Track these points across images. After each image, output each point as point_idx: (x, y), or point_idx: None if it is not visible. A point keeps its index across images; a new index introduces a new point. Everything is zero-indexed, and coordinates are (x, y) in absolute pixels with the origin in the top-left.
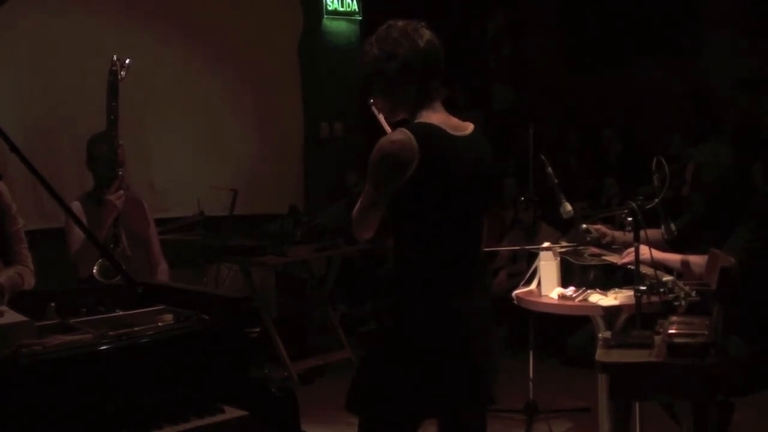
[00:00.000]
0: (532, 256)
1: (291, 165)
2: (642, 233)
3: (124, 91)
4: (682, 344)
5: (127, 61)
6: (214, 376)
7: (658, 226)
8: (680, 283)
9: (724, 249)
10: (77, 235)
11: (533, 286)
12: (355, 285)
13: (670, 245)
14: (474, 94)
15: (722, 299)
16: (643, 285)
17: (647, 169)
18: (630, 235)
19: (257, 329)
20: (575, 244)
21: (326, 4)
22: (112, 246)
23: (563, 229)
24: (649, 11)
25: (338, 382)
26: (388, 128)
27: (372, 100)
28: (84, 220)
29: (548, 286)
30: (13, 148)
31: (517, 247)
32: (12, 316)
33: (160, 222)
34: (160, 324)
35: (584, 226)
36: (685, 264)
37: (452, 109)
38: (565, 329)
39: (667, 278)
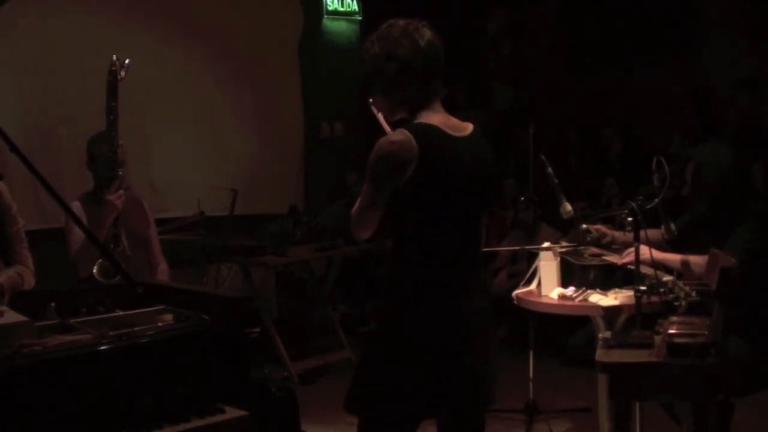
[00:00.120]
0: (532, 256)
1: (291, 165)
2: (642, 233)
3: (124, 91)
4: (682, 344)
5: (127, 61)
6: (214, 376)
7: (658, 226)
8: (680, 283)
9: (724, 249)
10: (77, 235)
11: (533, 286)
12: (355, 285)
13: (670, 245)
14: (474, 94)
15: (722, 299)
16: (643, 285)
17: (647, 169)
18: (630, 235)
19: (257, 329)
20: (575, 244)
21: (326, 4)
22: (112, 246)
23: (563, 229)
24: (649, 11)
25: (338, 382)
26: (387, 128)
27: (371, 100)
28: (84, 220)
29: (548, 286)
30: (13, 148)
31: (517, 247)
32: (12, 316)
33: (160, 222)
34: (160, 324)
35: (584, 226)
36: (685, 264)
37: (452, 109)
38: (565, 329)
39: (667, 278)
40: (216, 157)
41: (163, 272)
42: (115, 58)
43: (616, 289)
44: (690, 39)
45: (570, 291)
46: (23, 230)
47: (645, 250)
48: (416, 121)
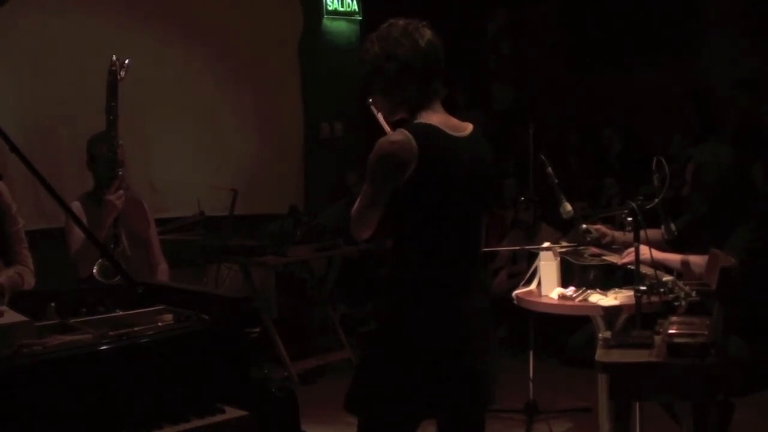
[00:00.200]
0: (533, 256)
1: (291, 165)
2: (642, 233)
3: (124, 91)
4: (682, 344)
5: (127, 61)
6: (214, 376)
7: (658, 226)
8: (680, 283)
9: (724, 249)
10: (77, 235)
11: (533, 286)
12: (355, 285)
13: (670, 245)
14: (474, 94)
15: (722, 299)
16: (643, 285)
17: (647, 169)
18: (630, 235)
19: (257, 329)
20: (575, 244)
21: (326, 4)
22: (112, 246)
23: (563, 229)
24: (649, 11)
25: (338, 382)
26: (387, 128)
27: (371, 100)
28: (84, 220)
29: (548, 286)
30: (13, 148)
31: (517, 247)
32: (12, 316)
33: (160, 222)
34: (160, 324)
35: (584, 226)
36: (685, 264)
37: (452, 109)
38: (565, 329)
39: (667, 278)
40: (216, 157)
41: (163, 272)
42: (115, 58)
43: (616, 289)
44: (690, 39)
45: (570, 291)
46: (23, 230)
47: (645, 250)
48: (416, 121)
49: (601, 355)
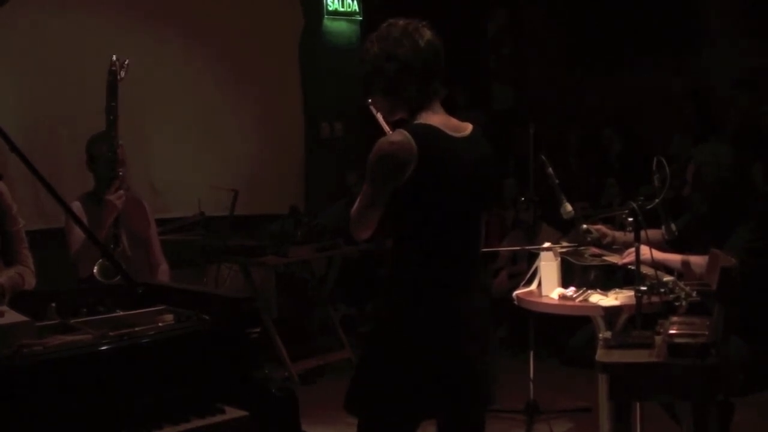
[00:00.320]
0: (533, 257)
1: (291, 165)
2: (642, 233)
3: (124, 91)
4: (682, 344)
5: (127, 61)
6: (215, 377)
7: (658, 227)
8: (681, 284)
9: (724, 249)
10: (77, 235)
11: (534, 286)
12: (355, 285)
13: (670, 245)
14: (474, 94)
15: (723, 299)
16: (643, 285)
17: (647, 169)
18: (630, 236)
19: (258, 329)
20: (576, 244)
21: (326, 4)
22: (112, 246)
23: (564, 229)
24: (649, 11)
25: (338, 382)
26: (387, 128)
27: (371, 100)
28: (84, 220)
29: (549, 286)
30: (13, 148)
31: (518, 248)
32: (12, 316)
33: (160, 222)
34: (160, 324)
35: (585, 226)
36: (686, 264)
37: (452, 109)
38: (566, 329)
39: (667, 278)
40: (216, 157)
41: (163, 272)
42: (115, 58)
43: (617, 290)
44: (690, 39)
45: (570, 291)
46: (24, 230)
47: (645, 251)
48: (416, 122)
49: (601, 355)
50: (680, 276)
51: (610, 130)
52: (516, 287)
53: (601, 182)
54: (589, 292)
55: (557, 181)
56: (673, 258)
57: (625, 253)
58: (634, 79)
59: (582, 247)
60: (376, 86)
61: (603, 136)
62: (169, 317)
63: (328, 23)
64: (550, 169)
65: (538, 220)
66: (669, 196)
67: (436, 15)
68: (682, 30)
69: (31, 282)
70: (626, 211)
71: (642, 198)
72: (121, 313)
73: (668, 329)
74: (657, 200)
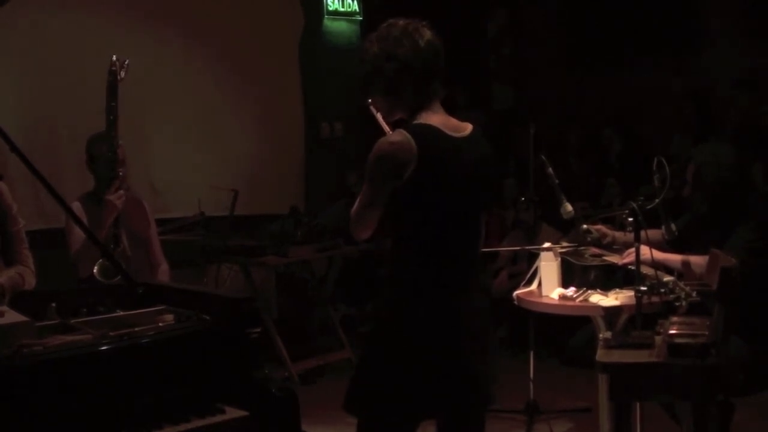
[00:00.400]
0: (533, 257)
1: (291, 165)
2: (642, 233)
3: (124, 91)
4: (682, 344)
5: (127, 61)
6: (215, 377)
7: (658, 227)
8: (681, 284)
9: (724, 249)
10: (77, 235)
11: (534, 286)
12: (355, 285)
13: (670, 245)
14: (474, 94)
15: (723, 299)
16: (643, 285)
17: (647, 169)
18: (630, 236)
19: (258, 329)
20: (576, 244)
21: (326, 4)
22: (112, 246)
23: (564, 229)
24: (649, 11)
25: (338, 382)
26: (386, 128)
27: (370, 100)
28: (84, 220)
29: (549, 286)
30: (13, 148)
31: (518, 248)
32: (12, 316)
33: (160, 222)
34: (160, 324)
35: (585, 226)
36: (686, 264)
37: (452, 109)
38: (566, 329)
39: (667, 278)
40: (216, 157)
41: (163, 272)
42: (115, 58)
43: (617, 290)
44: (690, 39)
45: (570, 291)
46: (24, 230)
47: (645, 251)
48: (415, 122)
49: (601, 355)
50: (680, 276)
51: (610, 130)
52: (516, 287)
53: (601, 182)
54: (589, 292)
55: (557, 181)
56: (673, 258)
57: (625, 253)
58: (634, 79)
59: (582, 247)
60: (375, 86)
61: (603, 136)
62: (169, 317)
63: (328, 23)
64: (550, 169)
65: (538, 220)
66: (669, 196)
67: (436, 15)
68: (682, 30)
69: (31, 282)
70: (626, 211)
71: (642, 198)
72: (121, 313)
73: (668, 329)
74: (657, 200)
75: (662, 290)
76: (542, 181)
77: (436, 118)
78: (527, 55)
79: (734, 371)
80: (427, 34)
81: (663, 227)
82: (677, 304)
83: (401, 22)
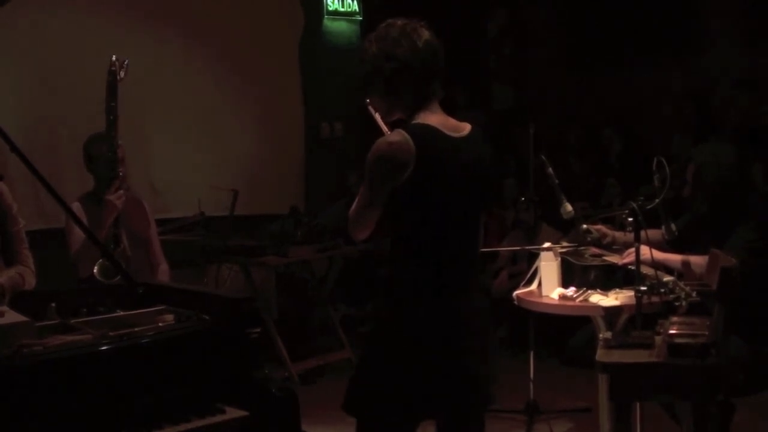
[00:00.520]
0: (533, 257)
1: (291, 165)
2: (642, 233)
3: (124, 91)
4: (682, 344)
5: (127, 62)
6: (215, 377)
7: (658, 227)
8: (681, 284)
9: (724, 249)
10: (77, 235)
11: (534, 286)
12: (355, 285)
13: (670, 245)
14: (474, 94)
15: (723, 299)
16: (643, 285)
17: (647, 169)
18: (630, 236)
19: (258, 329)
20: (576, 244)
21: (326, 4)
22: (112, 246)
23: (564, 229)
24: (649, 11)
25: (338, 382)
26: (385, 128)
27: (368, 100)
28: (84, 220)
29: (549, 286)
30: (13, 148)
31: (518, 248)
32: (12, 316)
33: (160, 222)
34: (160, 324)
35: (585, 226)
36: (686, 264)
37: (452, 109)
38: (566, 329)
39: (667, 278)
40: (216, 157)
41: (163, 272)
42: (114, 58)
43: (617, 290)
44: (690, 39)
45: (570, 291)
46: (24, 230)
47: (645, 251)
48: (414, 122)
49: (601, 355)
50: (680, 276)
51: (610, 130)
52: (516, 287)
53: (601, 182)
54: (589, 292)
55: (557, 181)
56: (673, 258)
57: (625, 253)
58: (634, 79)
59: (582, 247)
60: (374, 86)
61: (603, 136)
62: (169, 317)
63: (328, 23)
64: (550, 169)
65: (538, 220)
66: (669, 196)
67: (436, 15)
68: (682, 30)
69: (31, 282)
70: (626, 211)
71: (642, 198)
72: (121, 313)
73: (668, 329)
74: (657, 200)
75: (662, 290)
76: (542, 181)
77: (434, 118)
78: (527, 55)
79: (734, 371)
80: (426, 34)
81: (663, 227)
82: (677, 304)
83: (399, 22)
